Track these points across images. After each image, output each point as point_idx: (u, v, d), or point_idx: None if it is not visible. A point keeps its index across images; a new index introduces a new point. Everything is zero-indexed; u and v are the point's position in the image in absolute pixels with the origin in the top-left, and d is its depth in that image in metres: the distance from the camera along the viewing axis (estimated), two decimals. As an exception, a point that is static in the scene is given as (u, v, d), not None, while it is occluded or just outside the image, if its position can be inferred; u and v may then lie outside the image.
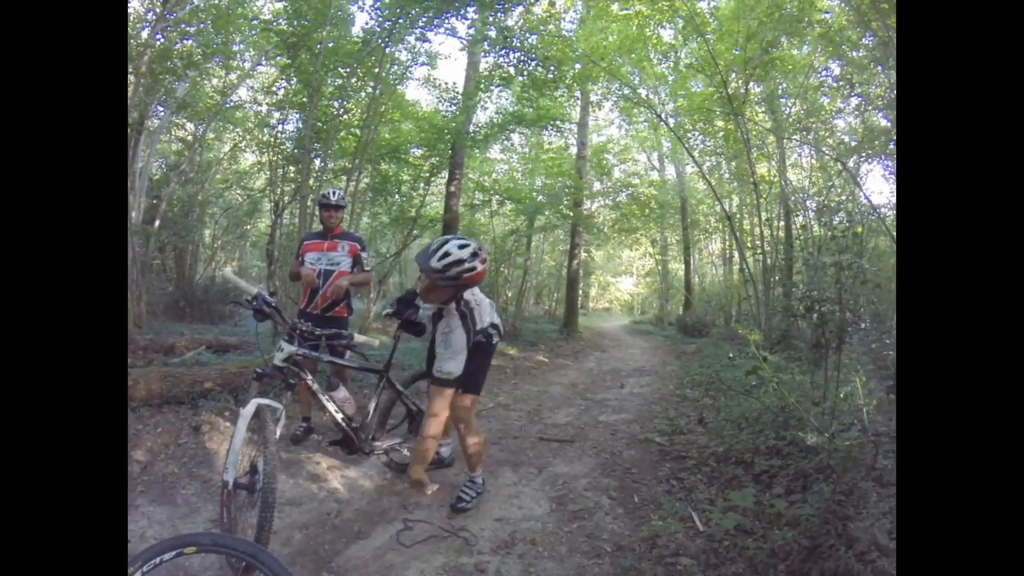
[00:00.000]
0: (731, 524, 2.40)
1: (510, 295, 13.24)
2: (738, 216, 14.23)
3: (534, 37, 8.28)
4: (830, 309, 3.14)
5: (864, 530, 1.80)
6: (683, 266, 19.88)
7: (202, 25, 7.65)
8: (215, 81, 11.01)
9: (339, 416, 3.06)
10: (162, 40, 7.37)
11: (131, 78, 6.87)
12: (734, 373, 6.26)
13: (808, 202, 8.98)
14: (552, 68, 8.39)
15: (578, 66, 9.32)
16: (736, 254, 12.84)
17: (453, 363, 2.76)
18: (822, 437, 2.41)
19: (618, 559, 2.52)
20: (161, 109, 9.84)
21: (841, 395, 2.93)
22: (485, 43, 7.85)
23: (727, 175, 14.63)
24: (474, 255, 2.52)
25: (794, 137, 10.18)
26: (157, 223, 8.89)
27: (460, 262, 2.49)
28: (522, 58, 8.11)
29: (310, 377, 2.94)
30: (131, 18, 7.76)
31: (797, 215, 9.57)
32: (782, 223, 10.39)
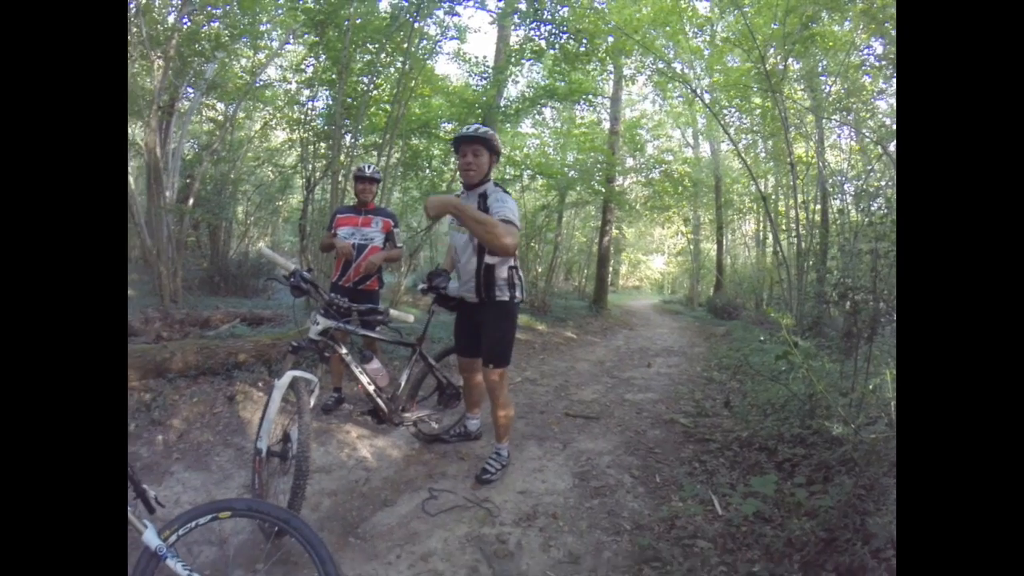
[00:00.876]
0: (750, 510, 2.40)
1: (540, 270, 13.24)
2: (773, 197, 13.84)
3: (565, 9, 8.08)
4: (864, 298, 3.05)
5: (882, 527, 1.78)
6: (715, 246, 19.52)
7: (228, 7, 7.69)
8: (244, 61, 11.08)
9: (371, 387, 3.16)
10: (189, 23, 7.46)
11: (160, 61, 6.99)
12: (763, 357, 6.17)
13: (846, 185, 8.62)
14: (584, 41, 8.19)
15: (611, 39, 9.06)
16: (770, 236, 12.53)
17: (511, 207, 2.76)
18: (847, 428, 2.38)
19: (636, 537, 2.56)
20: (191, 91, 10.00)
21: (870, 387, 2.87)
22: (515, 16, 7.72)
23: (763, 154, 14.22)
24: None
25: (834, 117, 9.76)
26: (191, 201, 9.09)
27: (479, 127, 2.95)
28: (553, 31, 7.94)
29: (344, 349, 3.04)
30: (157, 2, 7.87)
31: (834, 198, 9.25)
32: (818, 206, 10.06)
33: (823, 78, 9.89)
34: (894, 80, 8.21)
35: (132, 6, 6.57)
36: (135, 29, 6.50)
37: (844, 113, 9.68)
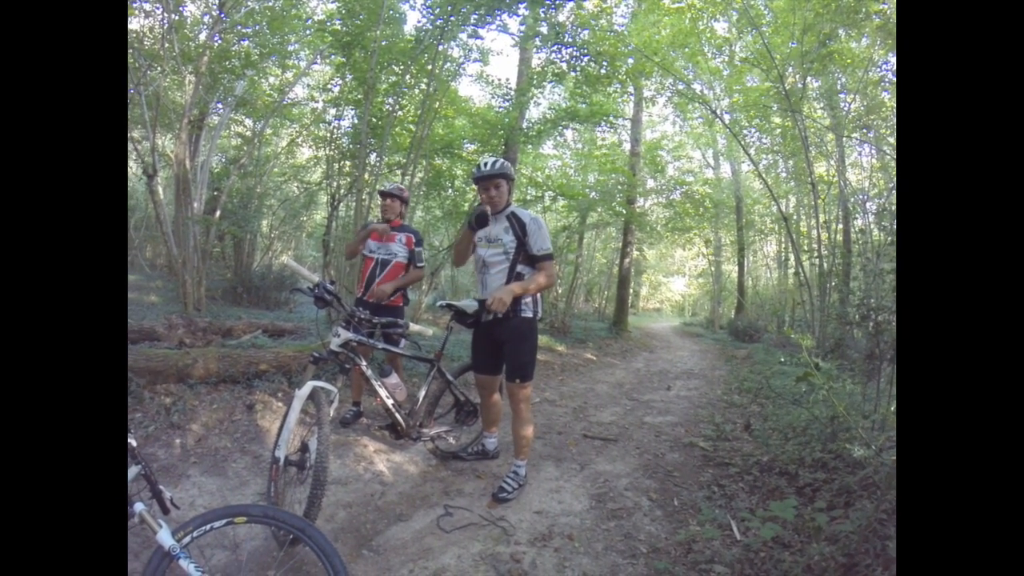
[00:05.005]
0: (769, 535, 2.34)
1: (560, 292, 13.22)
2: (795, 217, 13.69)
3: (586, 32, 8.20)
4: (886, 319, 3.00)
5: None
6: (736, 268, 19.32)
7: (258, 27, 7.96)
8: (272, 79, 11.39)
9: (389, 402, 3.18)
10: (220, 41, 7.73)
11: (191, 77, 7.25)
12: (784, 380, 6.07)
13: (868, 204, 8.51)
14: (604, 63, 8.28)
15: (631, 61, 9.16)
16: (792, 257, 12.38)
17: (546, 235, 3.11)
18: (868, 451, 2.32)
19: (652, 561, 2.51)
20: (221, 106, 10.32)
21: (892, 409, 2.80)
22: (537, 39, 7.84)
23: (784, 174, 14.11)
24: (496, 156, 3.25)
25: (854, 135, 9.68)
26: (218, 213, 9.30)
27: (496, 159, 3.11)
28: (574, 54, 8.04)
29: (364, 362, 3.07)
30: (189, 21, 8.20)
31: (856, 218, 9.13)
32: (840, 226, 9.93)
33: (842, 96, 9.84)
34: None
35: (165, 23, 6.85)
36: (168, 45, 6.76)
37: (864, 131, 9.59)
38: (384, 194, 4.13)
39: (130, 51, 6.40)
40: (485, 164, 3.12)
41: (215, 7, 7.69)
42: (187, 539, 1.63)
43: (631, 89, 11.59)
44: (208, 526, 1.68)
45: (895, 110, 8.68)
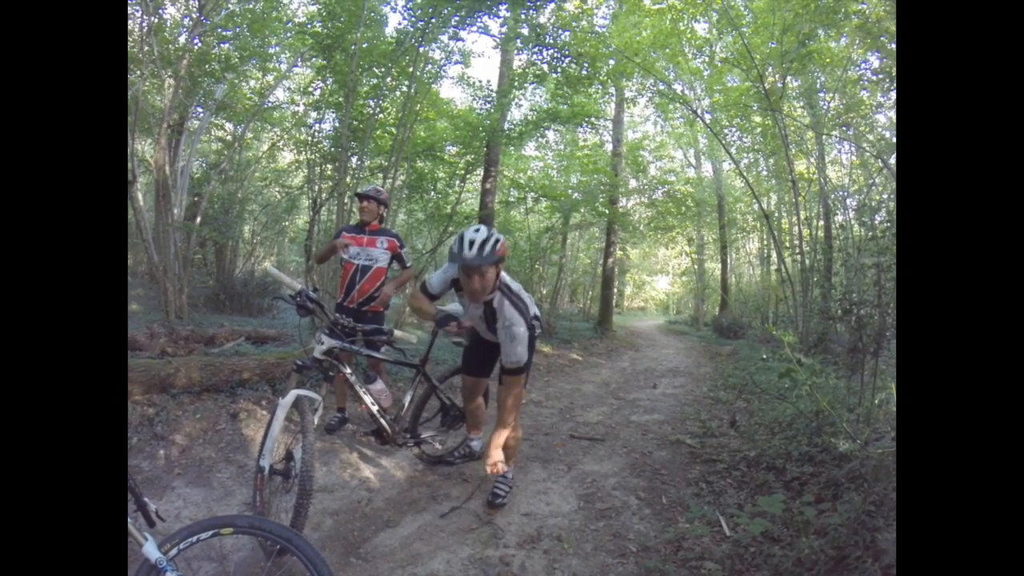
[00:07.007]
0: (758, 530, 2.37)
1: (545, 292, 13.23)
2: (776, 215, 13.87)
3: (567, 34, 8.23)
4: (868, 312, 3.05)
5: (892, 543, 1.75)
6: (719, 266, 19.51)
7: (238, 29, 7.87)
8: (252, 83, 11.24)
9: (374, 408, 3.15)
10: (200, 44, 7.64)
11: (170, 81, 7.13)
12: (768, 376, 6.14)
13: (848, 200, 8.68)
14: (586, 65, 8.32)
15: (612, 62, 9.22)
16: (774, 254, 12.53)
17: (521, 349, 2.66)
18: (854, 444, 2.35)
19: (642, 559, 2.52)
20: (201, 110, 10.16)
21: (876, 402, 2.84)
22: (518, 41, 7.85)
23: (765, 172, 14.28)
24: (488, 230, 2.56)
25: (833, 133, 9.84)
26: (198, 219, 9.15)
27: (485, 241, 2.46)
28: (555, 55, 8.07)
29: (348, 369, 3.05)
30: (169, 23, 8.08)
31: (836, 214, 9.27)
32: (821, 222, 10.09)
33: (822, 94, 10.01)
34: (892, 93, 8.25)
35: (144, 26, 6.74)
36: (147, 48, 6.65)
37: (844, 128, 9.76)
38: (361, 196, 4.08)
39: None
40: (471, 246, 2.44)
41: (195, 10, 7.59)
42: (173, 552, 1.61)
43: (612, 90, 11.67)
44: (194, 538, 1.65)
45: (884, 107, 8.85)
